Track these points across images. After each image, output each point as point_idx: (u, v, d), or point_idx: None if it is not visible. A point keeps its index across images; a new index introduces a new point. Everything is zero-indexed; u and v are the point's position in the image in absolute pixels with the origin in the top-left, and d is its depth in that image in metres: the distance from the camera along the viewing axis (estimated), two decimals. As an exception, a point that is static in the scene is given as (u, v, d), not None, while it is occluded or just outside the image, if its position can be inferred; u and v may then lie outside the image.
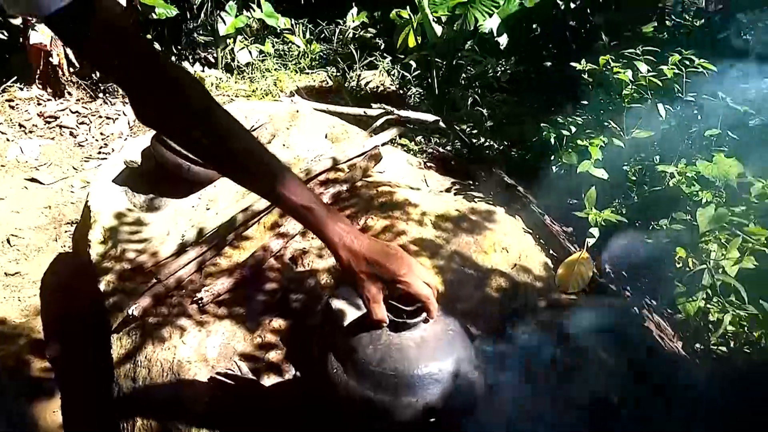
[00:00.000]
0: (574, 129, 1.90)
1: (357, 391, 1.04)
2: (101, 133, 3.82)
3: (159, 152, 2.11)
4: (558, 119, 1.94)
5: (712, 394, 1.45)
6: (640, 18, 3.56)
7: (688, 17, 3.62)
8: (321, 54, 5.06)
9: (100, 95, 4.28)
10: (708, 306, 1.65)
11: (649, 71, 1.84)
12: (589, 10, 3.66)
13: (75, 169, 3.49)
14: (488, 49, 3.77)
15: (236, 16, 4.77)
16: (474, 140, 2.52)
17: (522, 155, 2.28)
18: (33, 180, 3.32)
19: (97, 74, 4.32)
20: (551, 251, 1.83)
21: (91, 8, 0.79)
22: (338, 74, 4.35)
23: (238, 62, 4.86)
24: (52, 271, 2.64)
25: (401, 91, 4.00)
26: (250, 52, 4.86)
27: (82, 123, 3.88)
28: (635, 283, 1.83)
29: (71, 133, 3.78)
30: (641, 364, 1.52)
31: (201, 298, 1.69)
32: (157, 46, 4.89)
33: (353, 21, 5.26)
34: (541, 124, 1.94)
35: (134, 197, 2.21)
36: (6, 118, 3.84)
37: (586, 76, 2.14)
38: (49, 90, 4.09)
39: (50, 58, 4.00)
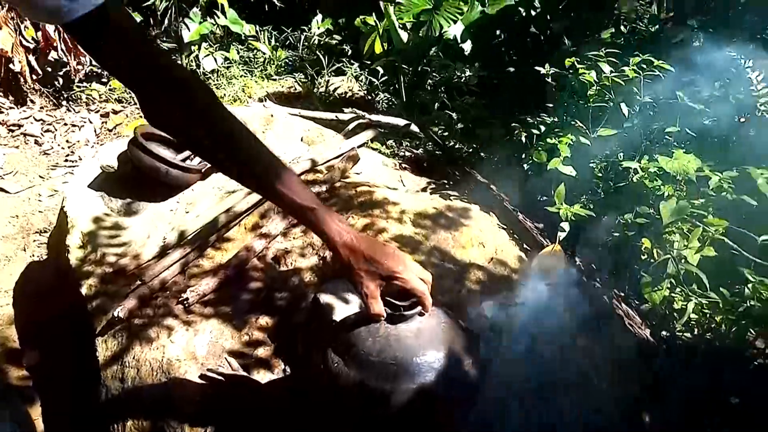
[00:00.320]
0: (543, 128, 2.00)
1: (359, 381, 1.09)
2: (67, 141, 3.77)
3: (136, 156, 2.12)
4: (528, 119, 2.04)
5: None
6: (597, 25, 3.71)
7: (641, 24, 3.80)
8: (287, 61, 5.09)
9: (64, 103, 4.22)
10: (672, 295, 1.75)
11: (612, 72, 1.95)
12: (549, 17, 3.80)
13: (42, 177, 3.43)
14: (453, 54, 3.88)
15: (200, 22, 4.77)
16: (446, 142, 2.60)
17: (493, 155, 2.37)
18: (-2, 189, 3.26)
19: (60, 82, 4.27)
20: (525, 245, 1.92)
21: (105, 14, 0.83)
22: (306, 80, 4.39)
23: (204, 69, 4.85)
24: (23, 280, 2.60)
25: (369, 97, 4.06)
26: (215, 59, 4.86)
27: (47, 131, 3.82)
28: (603, 275, 1.93)
29: (36, 141, 3.72)
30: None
31: (187, 299, 1.71)
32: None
33: (318, 28, 5.31)
34: (512, 124, 2.03)
35: (111, 202, 2.21)
36: (-33, 127, 3.77)
37: (550, 80, 2.25)
38: (11, 97, 4.00)
39: (11, 65, 3.92)
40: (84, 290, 1.86)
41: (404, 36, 3.94)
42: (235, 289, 1.78)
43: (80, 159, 3.60)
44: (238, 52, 5.02)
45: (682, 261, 1.71)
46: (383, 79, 4.08)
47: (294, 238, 1.94)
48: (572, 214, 1.86)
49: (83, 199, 2.20)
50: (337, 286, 1.55)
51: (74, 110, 4.13)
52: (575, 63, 2.01)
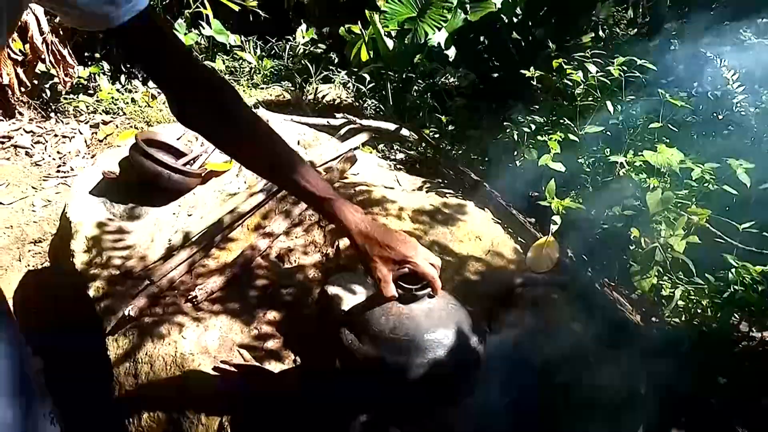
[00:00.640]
0: (533, 127, 2.09)
1: (374, 356, 1.16)
2: (58, 152, 3.79)
3: (138, 161, 2.16)
4: (518, 118, 2.13)
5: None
6: (576, 30, 3.85)
7: (619, 29, 3.94)
8: (273, 70, 5.15)
9: (52, 114, 4.24)
10: (660, 282, 1.84)
11: (598, 72, 2.05)
12: (530, 23, 3.92)
13: (34, 188, 3.45)
14: (438, 61, 3.98)
15: (186, 33, 4.81)
16: (439, 143, 2.68)
17: (484, 155, 2.45)
18: (-9, 201, 3.28)
19: (48, 93, 4.29)
20: (519, 238, 2.00)
21: (147, 19, 0.91)
22: (294, 88, 4.46)
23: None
24: (22, 289, 2.62)
25: (357, 103, 4.14)
26: (201, 69, 4.90)
27: (38, 142, 3.84)
28: (595, 265, 2.02)
29: (27, 153, 3.73)
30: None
31: (195, 296, 1.76)
32: (105, 65, 4.89)
33: (303, 37, 5.39)
34: (504, 123, 2.12)
35: (113, 207, 2.25)
36: (-44, 140, 3.77)
37: (535, 82, 2.35)
38: (-1, 110, 4.02)
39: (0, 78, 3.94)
40: (91, 292, 1.90)
41: (390, 44, 4.03)
42: (242, 286, 1.84)
43: (72, 169, 3.63)
44: (224, 62, 5.08)
45: (669, 249, 1.80)
46: (370, 85, 4.16)
47: (296, 237, 2.00)
48: (563, 208, 1.94)
49: (85, 205, 2.24)
50: (343, 278, 1.62)
51: (63, 122, 4.15)
52: (562, 64, 2.11)
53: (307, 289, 1.81)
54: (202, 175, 2.29)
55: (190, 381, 1.55)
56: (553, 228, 1.95)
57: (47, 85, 4.26)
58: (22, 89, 4.08)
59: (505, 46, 3.93)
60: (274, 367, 1.57)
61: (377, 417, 1.24)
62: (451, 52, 4.08)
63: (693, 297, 1.81)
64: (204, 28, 5.02)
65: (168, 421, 1.52)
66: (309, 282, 1.84)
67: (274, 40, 5.48)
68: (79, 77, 4.40)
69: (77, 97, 4.41)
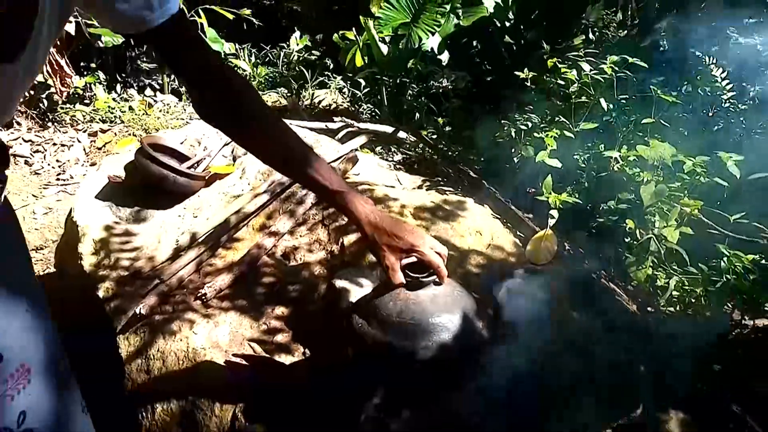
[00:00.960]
0: (530, 124, 2.15)
1: (382, 340, 1.21)
2: (57, 160, 3.82)
3: (144, 165, 2.21)
4: (515, 116, 2.19)
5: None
6: (567, 33, 3.92)
7: (609, 31, 4.02)
8: (268, 77, 5.22)
9: (50, 124, 4.27)
10: (655, 273, 1.90)
11: (591, 70, 2.11)
12: (522, 27, 4.00)
13: (35, 196, 3.48)
14: (432, 65, 4.05)
15: (181, 42, 4.86)
16: (438, 144, 2.74)
17: (482, 153, 2.51)
18: (-8, 209, 3.29)
19: (45, 103, 4.33)
20: (518, 232, 2.06)
21: (179, 22, 0.98)
22: (290, 94, 4.51)
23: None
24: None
25: (353, 108, 4.20)
26: (197, 77, 4.95)
27: (37, 151, 3.87)
28: (591, 258, 2.07)
29: (26, 162, 3.76)
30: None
31: (205, 294, 1.81)
32: (101, 75, 4.93)
33: (297, 44, 5.46)
34: (502, 121, 2.18)
35: (119, 211, 2.29)
36: (-45, 150, 3.79)
37: (529, 84, 2.41)
38: (-3, 120, 4.04)
39: (-3, 89, 3.96)
40: (101, 293, 1.93)
41: (384, 49, 4.10)
42: (250, 283, 1.88)
43: (72, 177, 3.66)
44: (220, 70, 5.12)
45: (663, 240, 1.86)
46: (366, 90, 4.22)
47: (301, 235, 2.05)
48: (560, 202, 2.00)
49: (91, 209, 2.28)
50: (350, 272, 1.66)
51: (61, 131, 4.19)
52: (557, 63, 2.18)
53: (313, 286, 1.85)
54: (206, 178, 2.33)
55: (202, 374, 1.59)
56: (551, 222, 2.01)
57: (44, 95, 4.30)
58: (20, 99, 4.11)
59: (498, 49, 4.00)
60: (284, 359, 1.61)
61: (384, 403, 1.29)
62: (445, 57, 4.15)
63: (687, 287, 1.86)
64: (199, 37, 5.08)
65: (182, 413, 1.55)
66: (314, 278, 1.88)
67: (268, 48, 5.55)
68: (75, 87, 4.44)
69: (74, 107, 4.45)
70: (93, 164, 3.76)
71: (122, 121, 4.29)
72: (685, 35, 2.84)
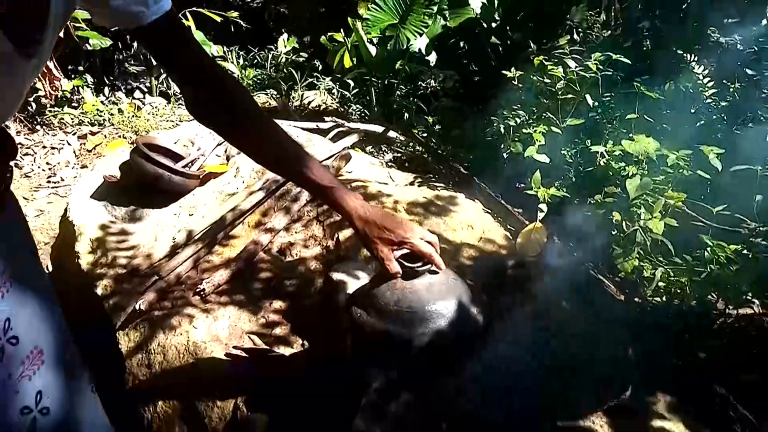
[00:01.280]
0: (518, 121, 2.21)
1: (380, 329, 1.25)
2: (47, 163, 3.83)
3: (139, 164, 2.23)
4: (504, 113, 2.25)
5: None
6: (553, 33, 4.00)
7: (593, 32, 4.10)
8: (256, 79, 5.24)
9: (39, 127, 4.27)
10: (642, 264, 1.95)
11: (577, 67, 2.18)
12: (508, 28, 4.07)
13: (26, 199, 3.48)
14: (420, 66, 4.11)
15: (169, 45, 4.87)
16: (428, 142, 2.79)
17: (472, 150, 2.57)
18: (-17, 212, 3.29)
19: (34, 107, 4.32)
20: (509, 225, 2.11)
21: (173, 20, 1.01)
22: (280, 96, 4.55)
23: (174, 90, 4.96)
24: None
25: (343, 108, 4.24)
26: (186, 79, 4.96)
27: (26, 154, 3.87)
28: (579, 250, 2.13)
29: (16, 165, 3.75)
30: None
31: (203, 289, 1.84)
32: (89, 78, 4.93)
33: (285, 46, 5.49)
34: (491, 118, 2.24)
35: (114, 210, 2.31)
36: (-57, 154, 3.77)
37: (516, 82, 2.47)
38: (-15, 123, 4.03)
39: (-15, 92, 3.95)
40: (99, 291, 1.96)
41: (372, 50, 4.15)
42: (247, 278, 1.91)
43: (62, 180, 3.67)
44: (208, 73, 5.14)
45: (649, 232, 1.92)
46: (354, 91, 4.27)
47: (296, 232, 2.09)
48: (549, 196, 2.06)
49: (87, 208, 2.30)
50: (346, 265, 1.70)
51: (50, 134, 4.18)
52: (543, 61, 2.24)
53: (309, 280, 1.89)
54: (201, 176, 2.36)
55: (203, 367, 1.62)
56: (540, 215, 2.06)
57: (32, 98, 4.29)
58: (9, 102, 4.10)
59: (485, 50, 4.07)
60: (284, 351, 1.65)
61: (383, 389, 1.33)
62: (433, 57, 4.21)
63: (673, 277, 1.92)
64: (187, 39, 5.09)
65: (183, 406, 1.58)
66: (311, 273, 1.92)
67: (256, 50, 5.57)
68: (63, 90, 4.44)
69: (62, 110, 4.45)
70: (84, 167, 3.77)
71: (111, 124, 4.30)
72: (667, 35, 2.92)
